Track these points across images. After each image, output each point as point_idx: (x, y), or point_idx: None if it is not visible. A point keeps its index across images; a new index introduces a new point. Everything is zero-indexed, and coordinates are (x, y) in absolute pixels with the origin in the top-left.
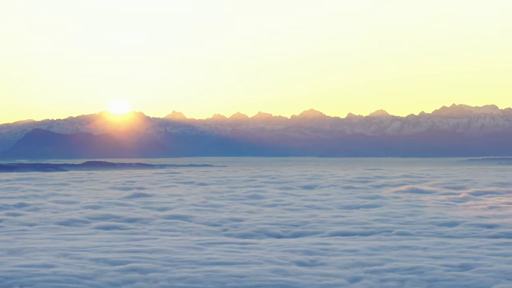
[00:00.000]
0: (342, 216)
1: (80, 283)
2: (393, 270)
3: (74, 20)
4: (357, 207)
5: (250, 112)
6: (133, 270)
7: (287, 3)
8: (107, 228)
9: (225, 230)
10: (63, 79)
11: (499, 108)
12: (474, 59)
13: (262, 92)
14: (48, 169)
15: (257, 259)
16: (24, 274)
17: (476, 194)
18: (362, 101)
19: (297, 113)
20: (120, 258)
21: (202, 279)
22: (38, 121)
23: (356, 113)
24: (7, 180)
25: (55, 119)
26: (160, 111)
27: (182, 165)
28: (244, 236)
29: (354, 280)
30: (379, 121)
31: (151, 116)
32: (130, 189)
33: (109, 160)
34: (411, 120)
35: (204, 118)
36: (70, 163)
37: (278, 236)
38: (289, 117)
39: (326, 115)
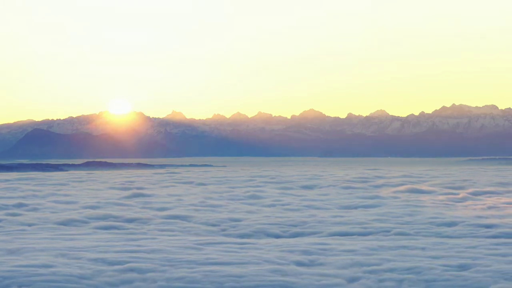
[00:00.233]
0: (341, 216)
1: (79, 283)
2: (391, 270)
3: (74, 20)
4: (356, 207)
5: (250, 112)
6: (132, 270)
7: (287, 3)
8: (106, 228)
9: (223, 230)
10: (63, 79)
11: (499, 108)
12: (474, 59)
13: (262, 92)
14: (48, 169)
15: (256, 259)
16: (22, 274)
17: (475, 194)
18: (362, 101)
19: (297, 113)
20: (119, 258)
21: (200, 279)
22: (38, 121)
23: (356, 113)
24: (6, 180)
25: (55, 119)
26: (160, 111)
27: (182, 165)
28: (242, 236)
29: (352, 280)
30: (379, 121)
31: (151, 116)
32: (129, 189)
33: (109, 160)
34: (411, 120)
35: (204, 118)
36: (70, 163)
37: (277, 236)
38: (289, 117)
39: (326, 115)
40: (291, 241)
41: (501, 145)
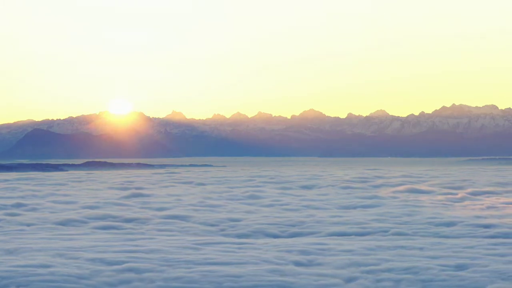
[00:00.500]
0: (340, 216)
1: (77, 283)
2: (389, 270)
3: (74, 20)
4: (355, 207)
5: (250, 112)
6: (130, 270)
7: (287, 3)
8: (104, 228)
9: (222, 230)
10: (63, 79)
11: (499, 108)
12: (474, 59)
13: (262, 92)
14: (48, 169)
15: (254, 259)
16: (20, 274)
17: (474, 194)
18: (362, 101)
19: (297, 113)
20: (117, 258)
21: (198, 279)
22: (38, 121)
23: (356, 113)
24: (6, 180)
25: (55, 119)
26: (160, 111)
27: (182, 165)
28: (241, 236)
29: (350, 280)
30: (379, 121)
31: (151, 116)
32: (128, 189)
33: (109, 160)
34: (411, 120)
35: (204, 118)
36: (70, 163)
37: (275, 236)
38: (289, 117)
39: (326, 115)
40: (290, 241)
41: (501, 145)
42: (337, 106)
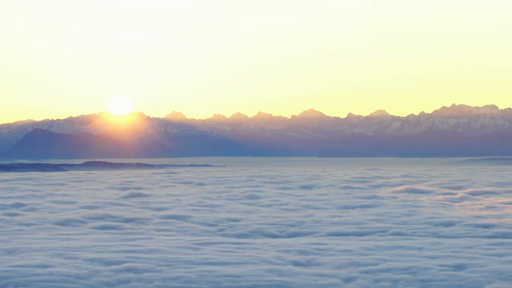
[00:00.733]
0: (339, 216)
1: (75, 283)
2: (387, 270)
3: (74, 20)
4: (354, 207)
5: (250, 112)
6: (128, 270)
7: (287, 3)
8: (103, 228)
9: (221, 230)
10: (63, 79)
11: (499, 108)
12: (474, 59)
13: (262, 92)
14: (48, 169)
15: (253, 259)
16: (19, 274)
17: (473, 194)
18: (362, 101)
19: (297, 113)
20: (115, 258)
21: (197, 279)
22: (38, 121)
23: (356, 113)
24: (5, 180)
25: (55, 119)
26: (160, 111)
27: (182, 165)
28: (240, 236)
29: (349, 280)
30: (379, 121)
31: (151, 116)
32: (128, 189)
33: (109, 160)
34: (411, 120)
35: (204, 118)
36: (70, 163)
37: (274, 236)
38: (289, 117)
39: (326, 115)
40: (288, 241)
41: (501, 145)
42: (337, 106)
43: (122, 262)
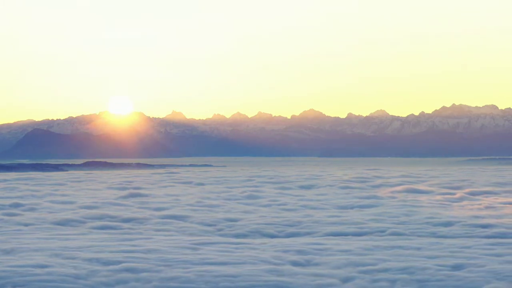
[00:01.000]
0: (338, 216)
1: (74, 283)
2: (385, 270)
3: (74, 20)
4: (353, 207)
5: (250, 112)
6: (126, 270)
7: (287, 3)
8: (102, 228)
9: (220, 230)
10: (63, 79)
11: (499, 108)
12: (474, 59)
13: (262, 92)
14: (48, 169)
15: (251, 259)
16: (17, 274)
17: (473, 194)
18: (362, 101)
19: (297, 113)
20: (114, 258)
21: (195, 279)
22: (38, 121)
23: (356, 113)
24: (5, 180)
25: (55, 119)
26: (160, 111)
27: (182, 165)
28: (238, 236)
29: (347, 280)
30: (379, 121)
31: (151, 116)
32: (127, 189)
33: (109, 160)
34: (411, 120)
35: (204, 118)
36: (70, 163)
37: (273, 236)
38: (289, 117)
39: (326, 115)
40: (287, 241)
41: (501, 145)
42: (337, 106)
43: (121, 262)
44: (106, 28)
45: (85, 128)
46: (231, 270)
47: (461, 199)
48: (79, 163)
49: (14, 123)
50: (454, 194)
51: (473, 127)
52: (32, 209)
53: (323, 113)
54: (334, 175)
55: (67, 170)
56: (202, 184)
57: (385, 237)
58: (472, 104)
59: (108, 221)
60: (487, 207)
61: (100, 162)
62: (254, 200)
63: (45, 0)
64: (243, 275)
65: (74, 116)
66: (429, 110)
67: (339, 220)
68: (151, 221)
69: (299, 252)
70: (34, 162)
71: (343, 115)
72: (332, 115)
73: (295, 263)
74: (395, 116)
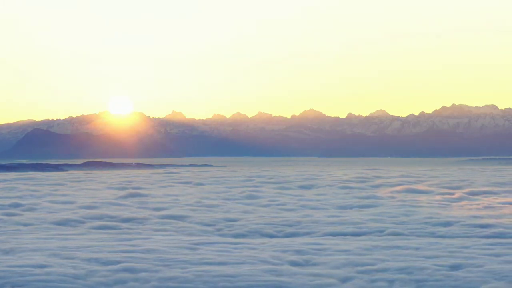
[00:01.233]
0: (337, 216)
1: (72, 283)
2: (383, 270)
3: (74, 20)
4: (352, 207)
5: (250, 112)
6: (125, 270)
7: (287, 4)
8: (101, 228)
9: (219, 230)
10: (63, 79)
11: (499, 108)
12: (474, 59)
13: (262, 92)
14: (48, 169)
15: (250, 259)
16: (16, 274)
17: (472, 194)
18: (362, 101)
19: (297, 113)
20: (113, 258)
21: (193, 279)
22: (38, 121)
23: (356, 113)
24: (4, 180)
25: (55, 119)
26: (160, 111)
27: (182, 165)
28: (237, 236)
29: (345, 280)
30: (379, 121)
31: (151, 116)
32: (126, 189)
33: (109, 160)
34: (411, 120)
35: (204, 118)
36: (70, 163)
37: (272, 236)
38: (289, 117)
39: (326, 115)
40: (286, 241)
41: (501, 145)
42: (337, 106)
43: (119, 262)
44: (106, 28)
45: (85, 128)
46: (229, 270)
47: (460, 199)
48: (79, 163)
49: (14, 123)
50: (453, 194)
51: (473, 127)
52: (31, 209)
53: (323, 113)
54: (333, 175)
55: (67, 170)
56: (201, 184)
57: (384, 237)
58: (472, 104)
59: (107, 221)
60: (486, 207)
61: (100, 162)
62: (253, 200)
63: (45, 0)
64: (241, 275)
65: (74, 116)
66: (429, 110)
67: (338, 220)
68: (150, 221)
69: (298, 252)
70: (34, 162)
71: (343, 115)
72: (332, 115)
73: (294, 263)
74: (395, 116)
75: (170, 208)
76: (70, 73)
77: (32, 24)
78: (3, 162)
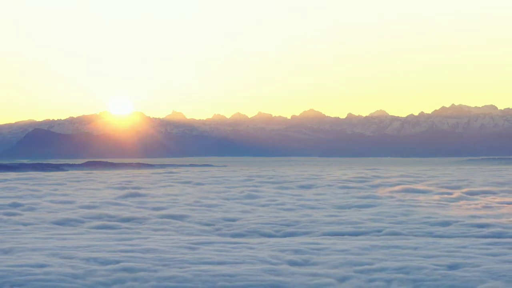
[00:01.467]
0: (336, 216)
1: (72, 282)
2: (381, 270)
3: (74, 20)
4: (351, 207)
5: (250, 112)
6: (124, 269)
7: (288, 4)
8: (100, 227)
9: (218, 229)
10: (63, 79)
11: (499, 108)
12: (474, 59)
13: (262, 92)
14: (48, 169)
15: (249, 258)
16: (15, 273)
17: (471, 193)
18: (362, 101)
19: (297, 113)
20: (112, 257)
21: (192, 278)
22: (39, 121)
23: (356, 113)
24: (5, 180)
25: (55, 119)
26: (160, 111)
27: (182, 165)
28: (236, 235)
29: (343, 279)
30: (379, 121)
31: (151, 116)
32: (126, 189)
33: (109, 160)
34: (411, 120)
35: (204, 118)
36: (71, 163)
37: (270, 236)
38: (289, 117)
39: (326, 115)
40: (284, 240)
41: (501, 145)
42: (337, 106)
43: (118, 262)
44: (106, 28)
45: (86, 128)
46: (228, 269)
47: (458, 198)
48: (79, 163)
49: (15, 123)
50: (452, 194)
51: (473, 127)
52: (31, 209)
53: (323, 113)
54: (333, 175)
55: (67, 170)
56: (201, 184)
57: (382, 237)
58: (472, 104)
59: (107, 221)
60: (484, 207)
61: (100, 162)
62: (252, 200)
63: (45, 1)
64: (240, 275)
65: (75, 116)
66: (428, 110)
67: (336, 220)
68: (149, 221)
69: (297, 251)
70: (35, 162)
71: (343, 115)
72: (332, 115)
73: (292, 263)
74: (394, 116)
75: (169, 207)
76: (70, 73)
77: (32, 24)
78: (3, 162)
